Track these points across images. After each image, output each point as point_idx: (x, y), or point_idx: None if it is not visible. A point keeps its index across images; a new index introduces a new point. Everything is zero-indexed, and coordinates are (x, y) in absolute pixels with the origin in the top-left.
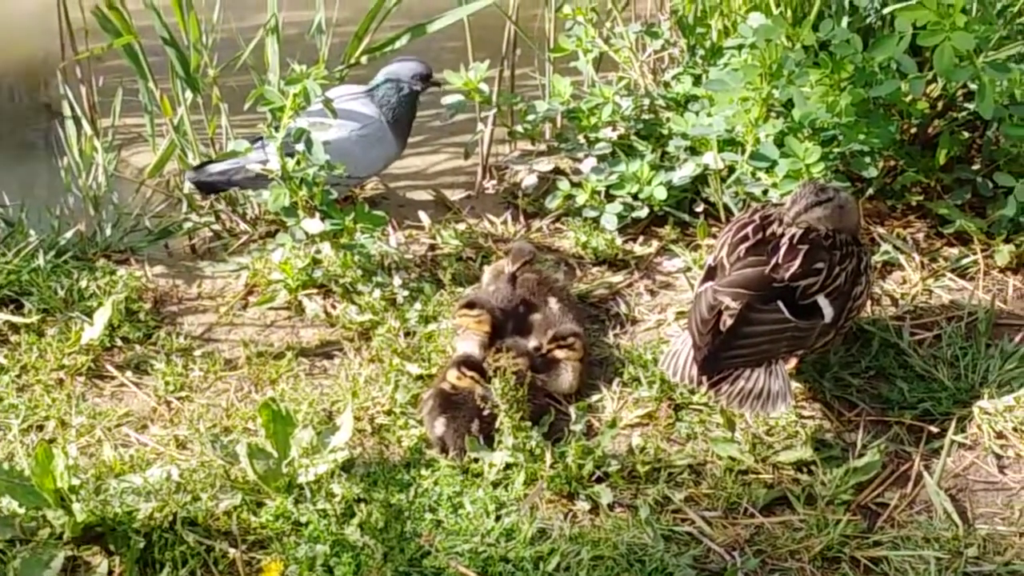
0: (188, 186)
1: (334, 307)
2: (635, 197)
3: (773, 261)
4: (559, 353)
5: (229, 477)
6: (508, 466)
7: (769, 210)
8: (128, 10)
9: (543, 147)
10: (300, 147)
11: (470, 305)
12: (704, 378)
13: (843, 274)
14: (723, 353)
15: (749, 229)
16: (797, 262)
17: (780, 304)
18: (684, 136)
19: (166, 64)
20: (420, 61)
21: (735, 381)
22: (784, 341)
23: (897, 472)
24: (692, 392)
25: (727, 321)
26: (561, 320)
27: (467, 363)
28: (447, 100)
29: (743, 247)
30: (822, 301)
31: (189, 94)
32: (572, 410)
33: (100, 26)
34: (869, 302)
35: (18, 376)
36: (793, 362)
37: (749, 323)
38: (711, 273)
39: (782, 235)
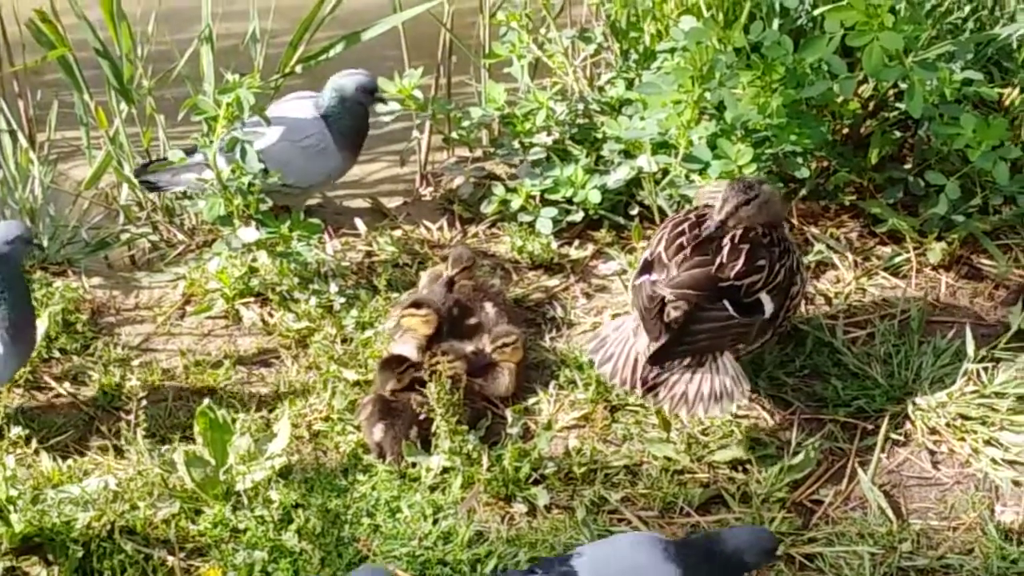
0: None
1: (271, 315)
2: (570, 201)
3: (718, 261)
4: (506, 351)
5: (167, 485)
6: (445, 470)
7: (703, 210)
8: (62, 23)
9: (479, 153)
10: (238, 156)
11: (417, 305)
12: (640, 383)
13: (783, 270)
14: (672, 348)
15: (685, 226)
16: (741, 261)
17: (726, 303)
18: (618, 140)
19: (102, 77)
20: (366, 74)
21: (673, 385)
22: (728, 337)
23: (832, 469)
24: (627, 395)
25: (671, 313)
26: (497, 324)
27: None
28: (381, 108)
29: (684, 243)
30: (764, 298)
31: (124, 106)
32: (509, 413)
33: (35, 39)
34: (804, 301)
35: None
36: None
37: (697, 321)
38: (648, 266)
39: (722, 235)
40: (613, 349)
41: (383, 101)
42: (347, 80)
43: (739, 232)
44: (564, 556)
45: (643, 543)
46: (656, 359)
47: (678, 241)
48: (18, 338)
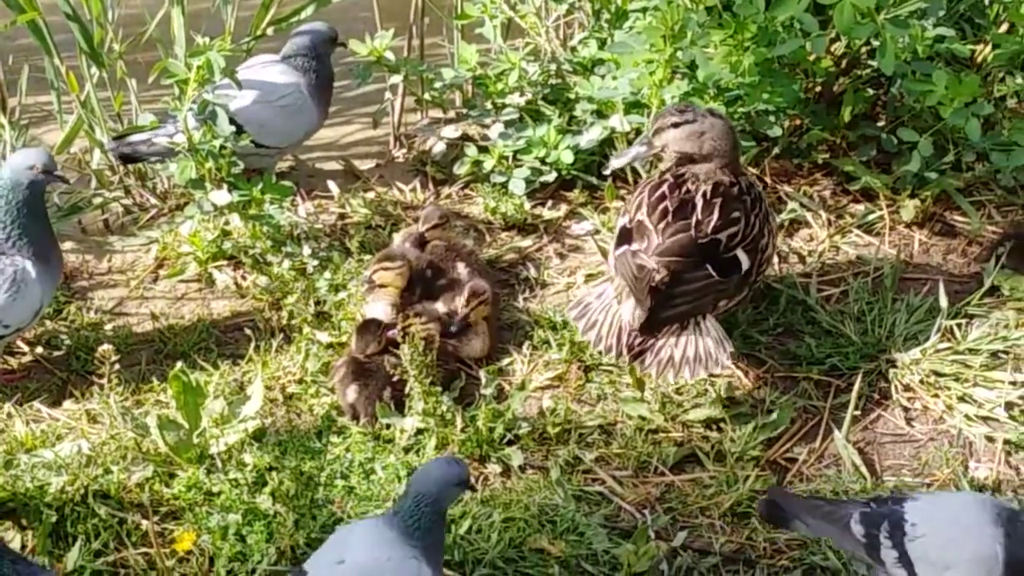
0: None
1: (244, 278)
2: (543, 162)
3: (693, 219)
4: (481, 309)
5: (140, 449)
6: (419, 431)
7: (677, 171)
8: None
9: (452, 115)
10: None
11: (389, 258)
12: (626, 349)
13: (756, 221)
14: (658, 315)
15: (665, 187)
16: (715, 215)
17: (708, 267)
18: (590, 100)
19: (73, 41)
20: (324, 23)
21: (659, 351)
22: (710, 298)
23: (806, 427)
24: (613, 361)
25: (654, 277)
26: (473, 280)
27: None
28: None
29: (668, 206)
30: (740, 254)
31: (95, 70)
32: (483, 374)
33: (4, 3)
34: (777, 259)
35: None
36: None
37: (681, 283)
38: (627, 234)
39: (696, 192)
40: (596, 316)
41: (344, 45)
42: (310, 34)
43: (708, 187)
44: (898, 497)
45: (977, 504)
46: (645, 329)
47: (661, 206)
48: (48, 267)
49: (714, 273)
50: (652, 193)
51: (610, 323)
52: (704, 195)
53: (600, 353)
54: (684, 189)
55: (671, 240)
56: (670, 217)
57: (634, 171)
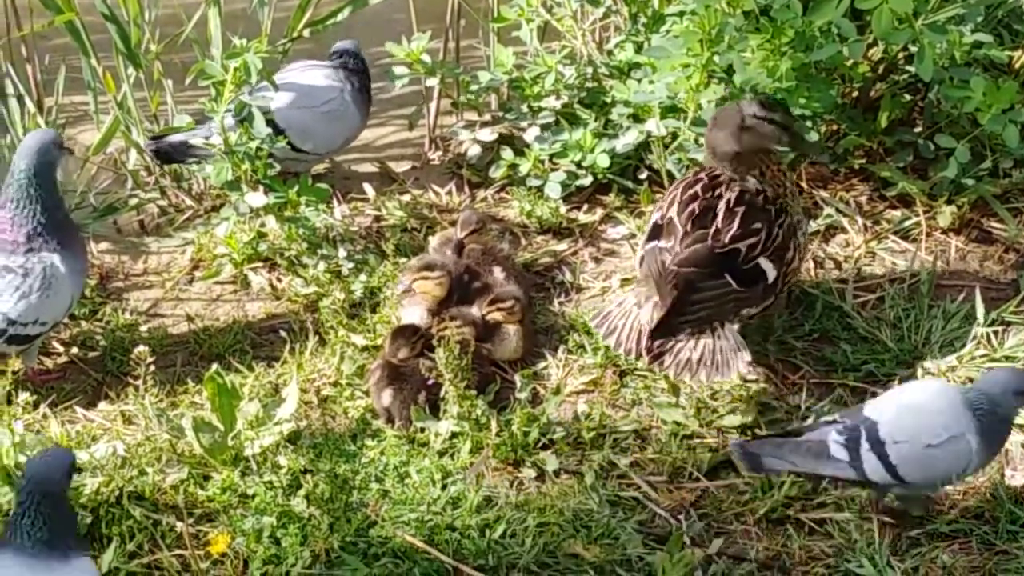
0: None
1: (279, 280)
2: (579, 165)
3: (713, 228)
4: (497, 315)
5: (175, 451)
6: (454, 435)
7: (712, 170)
8: None
9: (488, 117)
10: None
11: (429, 267)
12: (645, 351)
13: (780, 232)
14: (674, 320)
15: (698, 187)
16: (735, 224)
17: (728, 277)
18: (627, 103)
19: (110, 41)
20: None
21: (678, 352)
22: (729, 306)
23: None
24: (635, 363)
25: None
26: (503, 287)
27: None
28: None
29: (696, 208)
30: (764, 263)
31: (132, 71)
32: (517, 378)
33: (42, 3)
34: (813, 265)
35: None
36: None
37: (698, 291)
38: (657, 230)
39: (721, 199)
40: (617, 322)
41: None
42: (348, 44)
43: (733, 196)
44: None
45: (940, 390)
46: (659, 333)
47: (691, 206)
48: (74, 257)
49: (733, 282)
50: (686, 191)
51: (630, 327)
52: (728, 203)
53: (619, 355)
54: (716, 192)
55: (689, 250)
56: (693, 222)
57: (670, 175)
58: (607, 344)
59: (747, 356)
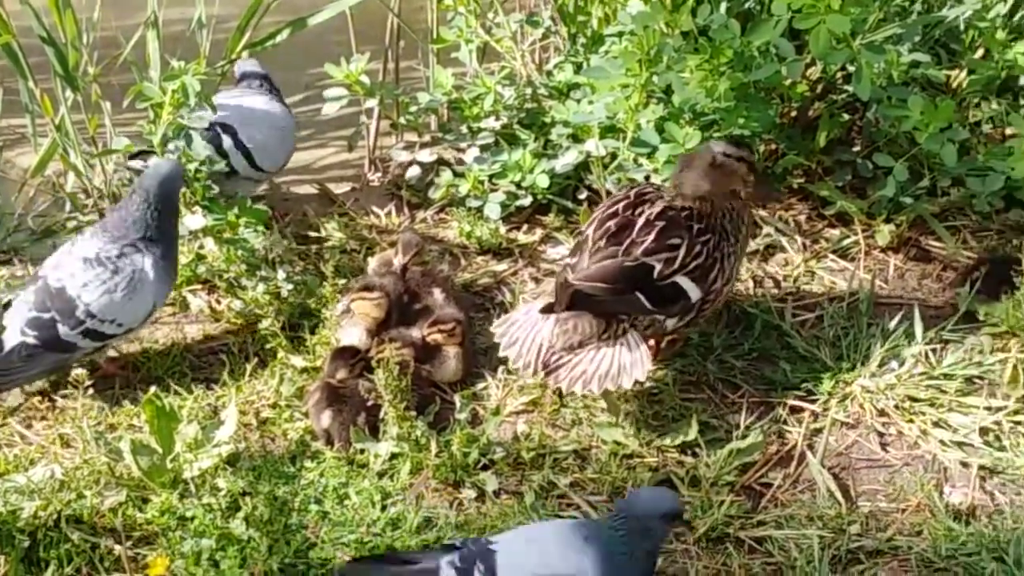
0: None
1: (218, 302)
2: (518, 186)
3: (627, 241)
4: (438, 337)
5: (114, 474)
6: (393, 456)
7: (645, 188)
8: (6, 9)
9: (427, 138)
10: (227, 142)
11: (368, 288)
12: (542, 366)
13: (704, 249)
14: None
15: (620, 205)
16: (651, 237)
17: (639, 295)
18: (566, 124)
19: (47, 64)
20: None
21: (575, 366)
22: (643, 319)
23: (780, 452)
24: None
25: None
26: (443, 309)
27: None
28: (329, 93)
29: (609, 228)
30: (684, 282)
31: (70, 93)
32: (457, 399)
33: None
34: (752, 284)
35: None
36: (652, 343)
37: (599, 306)
38: (577, 246)
39: (642, 215)
40: (519, 333)
41: None
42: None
43: (655, 211)
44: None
45: (564, 528)
46: (550, 308)
47: (607, 224)
48: (167, 271)
49: (645, 301)
50: (607, 209)
51: (531, 341)
52: (648, 217)
53: (517, 369)
54: (637, 211)
55: (596, 266)
56: (608, 239)
57: (609, 194)
58: (507, 355)
59: (649, 365)
